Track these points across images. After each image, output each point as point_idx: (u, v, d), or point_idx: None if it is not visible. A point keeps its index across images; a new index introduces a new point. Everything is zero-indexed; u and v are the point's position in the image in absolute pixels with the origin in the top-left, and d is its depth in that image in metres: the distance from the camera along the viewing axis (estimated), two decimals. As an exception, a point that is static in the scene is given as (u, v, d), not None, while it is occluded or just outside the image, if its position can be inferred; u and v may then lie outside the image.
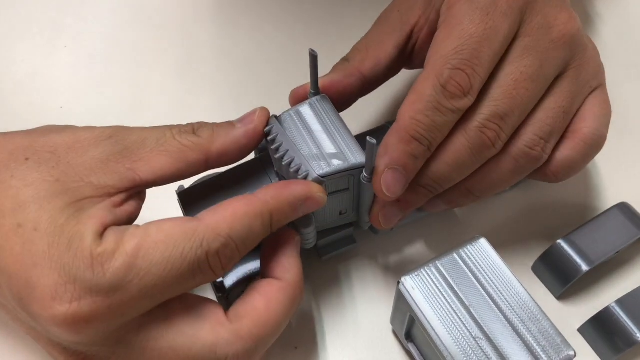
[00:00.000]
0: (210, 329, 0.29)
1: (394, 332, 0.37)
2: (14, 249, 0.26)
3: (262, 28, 0.52)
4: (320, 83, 0.36)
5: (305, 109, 0.35)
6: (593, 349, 0.36)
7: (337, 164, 0.32)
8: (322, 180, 0.32)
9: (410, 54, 0.38)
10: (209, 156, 0.32)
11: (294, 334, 0.37)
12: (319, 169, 0.32)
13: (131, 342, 0.27)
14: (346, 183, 0.34)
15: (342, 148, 0.33)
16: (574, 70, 0.34)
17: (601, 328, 0.36)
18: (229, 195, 0.31)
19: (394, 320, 0.36)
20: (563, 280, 0.37)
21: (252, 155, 0.37)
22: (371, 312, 0.38)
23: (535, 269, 0.39)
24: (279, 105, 0.37)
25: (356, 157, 0.33)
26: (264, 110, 0.34)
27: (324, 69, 0.36)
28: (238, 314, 0.30)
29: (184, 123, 0.33)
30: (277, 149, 0.33)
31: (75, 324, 0.26)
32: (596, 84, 0.36)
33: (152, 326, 0.28)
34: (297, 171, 0.32)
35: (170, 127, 0.32)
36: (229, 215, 0.29)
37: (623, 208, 0.38)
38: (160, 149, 0.31)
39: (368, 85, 0.37)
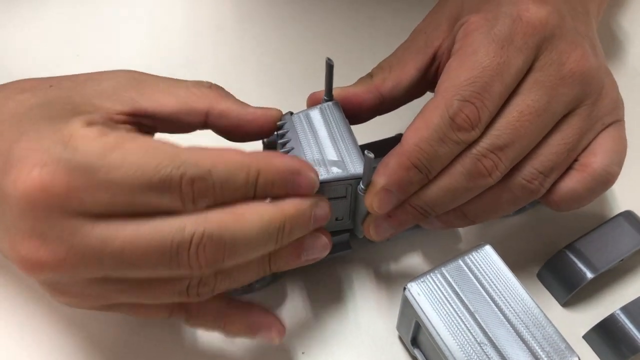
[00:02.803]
0: None
1: (400, 338, 0.37)
2: None
3: (278, 35, 0.52)
4: (337, 93, 0.36)
5: (315, 113, 0.36)
6: (598, 355, 0.37)
7: (335, 171, 0.33)
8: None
9: (434, 77, 0.37)
10: (210, 110, 0.33)
11: (301, 340, 0.37)
12: None
13: (85, 233, 0.27)
14: (344, 191, 0.34)
15: (344, 156, 0.34)
16: (586, 107, 0.34)
17: (606, 335, 0.36)
18: None
19: (400, 326, 0.36)
20: (568, 287, 0.38)
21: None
22: (378, 318, 0.38)
23: (540, 276, 0.40)
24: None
25: (356, 167, 0.33)
26: (278, 110, 0.35)
27: (337, 77, 0.36)
28: None
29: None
30: (284, 144, 0.34)
31: (34, 189, 0.26)
32: (611, 120, 0.35)
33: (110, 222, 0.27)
34: None
35: (191, 80, 0.34)
36: (215, 154, 0.28)
37: (628, 216, 0.39)
38: (169, 90, 0.32)
39: (387, 104, 0.37)
